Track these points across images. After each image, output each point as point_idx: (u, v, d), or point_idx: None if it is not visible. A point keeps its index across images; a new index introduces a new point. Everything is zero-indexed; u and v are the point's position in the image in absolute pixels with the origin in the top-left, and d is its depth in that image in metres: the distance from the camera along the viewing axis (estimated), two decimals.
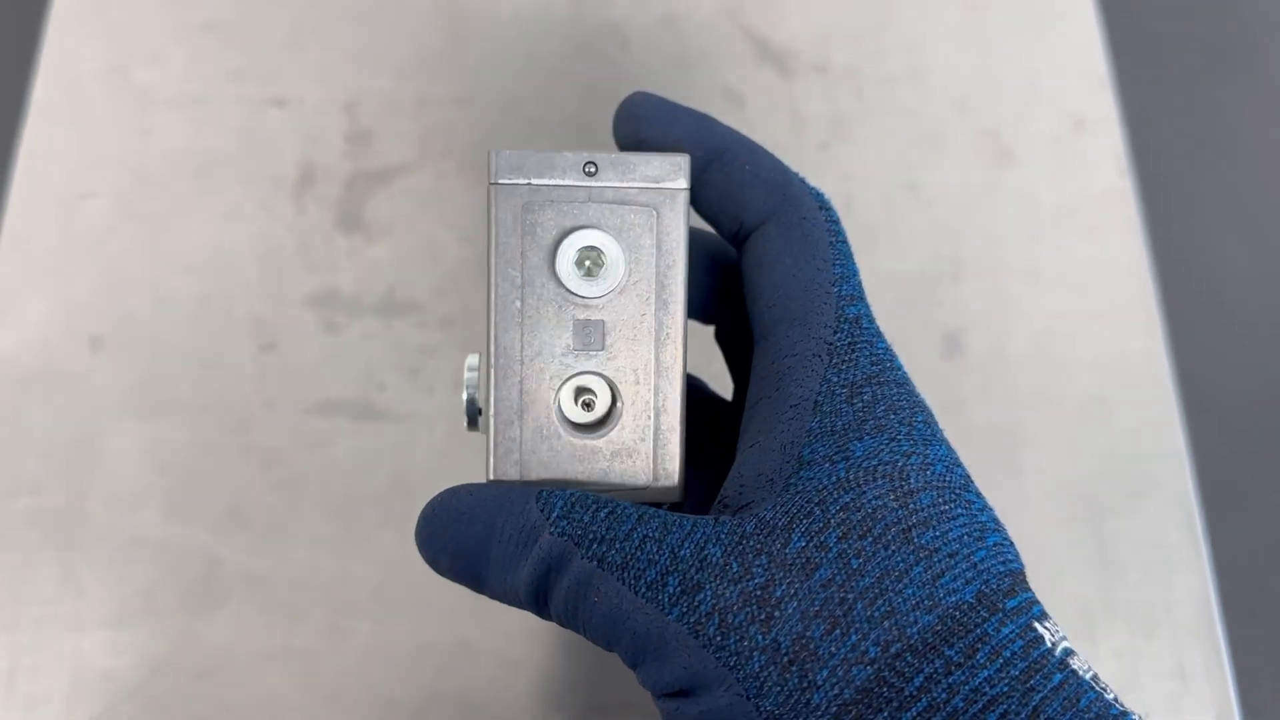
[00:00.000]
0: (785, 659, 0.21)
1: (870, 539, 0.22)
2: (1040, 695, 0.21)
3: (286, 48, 0.47)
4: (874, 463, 0.23)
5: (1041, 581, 0.38)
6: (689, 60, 0.47)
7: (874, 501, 0.22)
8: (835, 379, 0.24)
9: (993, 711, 0.21)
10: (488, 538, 0.25)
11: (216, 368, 0.42)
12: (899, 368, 0.25)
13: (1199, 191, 0.44)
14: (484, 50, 0.47)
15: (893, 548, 0.22)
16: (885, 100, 0.46)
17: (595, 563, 0.23)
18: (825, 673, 0.21)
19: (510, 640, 0.38)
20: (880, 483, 0.23)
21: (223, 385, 0.41)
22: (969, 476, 0.24)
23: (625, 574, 0.23)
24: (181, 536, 0.39)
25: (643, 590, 0.23)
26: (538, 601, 0.24)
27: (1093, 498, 0.40)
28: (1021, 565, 0.24)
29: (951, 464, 0.24)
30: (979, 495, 0.24)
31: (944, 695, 0.21)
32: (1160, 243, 0.43)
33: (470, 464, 0.40)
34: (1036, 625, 0.22)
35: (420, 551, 0.27)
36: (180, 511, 0.39)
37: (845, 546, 0.22)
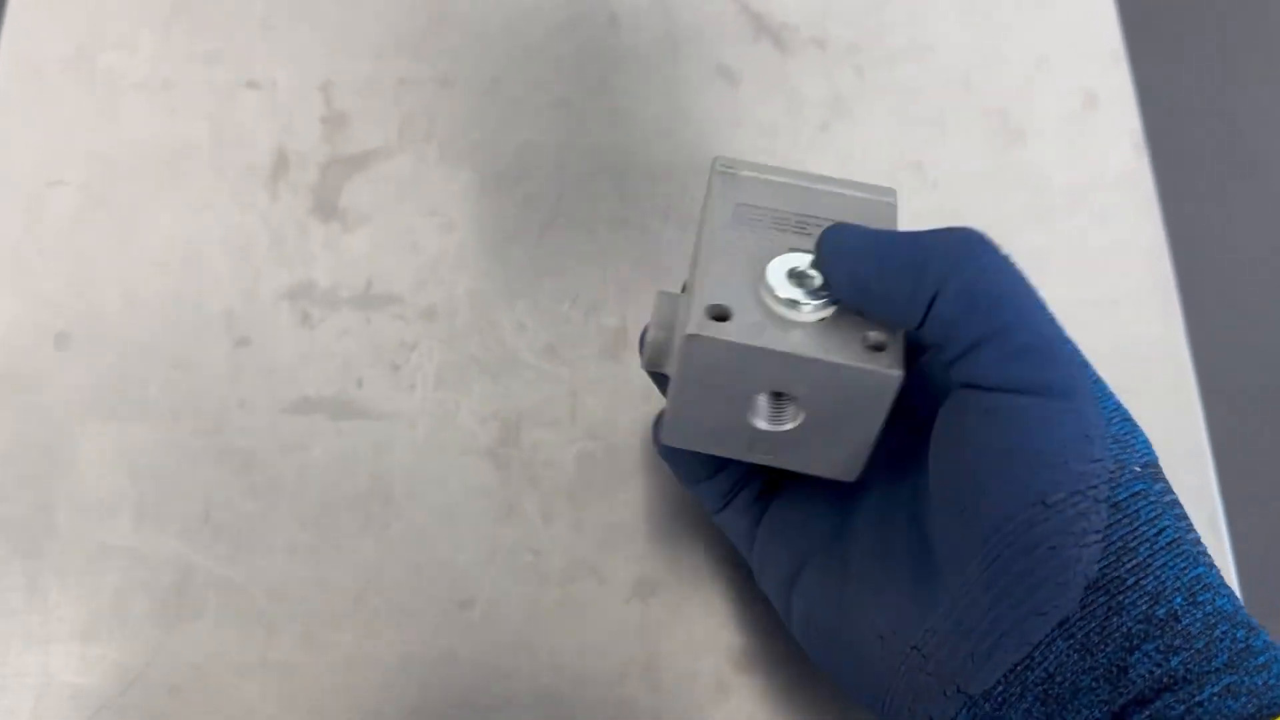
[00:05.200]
0: (1124, 418, 0.28)
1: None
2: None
3: (259, 28, 0.45)
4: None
5: None
6: (680, 37, 0.45)
7: None
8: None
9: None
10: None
11: (188, 366, 0.40)
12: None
13: (1216, 170, 0.42)
14: (466, 29, 0.45)
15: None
16: (887, 78, 0.44)
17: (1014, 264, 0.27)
18: (1141, 439, 0.27)
19: (498, 652, 0.36)
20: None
21: (195, 384, 0.39)
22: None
23: (1038, 297, 0.27)
24: (153, 544, 0.37)
25: (1050, 314, 0.28)
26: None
27: None
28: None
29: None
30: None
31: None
32: (1177, 225, 0.41)
33: (454, 464, 0.38)
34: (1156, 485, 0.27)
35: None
36: (151, 518, 0.38)
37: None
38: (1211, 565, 0.26)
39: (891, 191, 0.30)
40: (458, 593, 0.37)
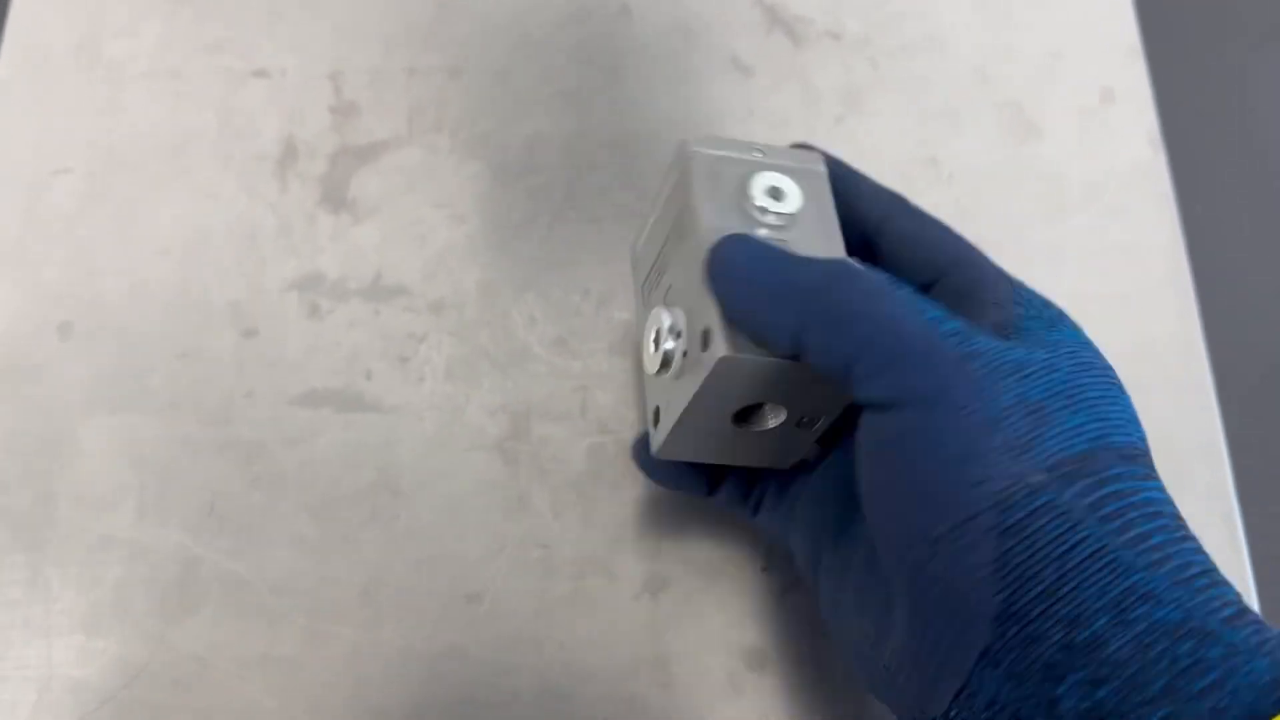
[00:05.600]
0: (1029, 410, 0.25)
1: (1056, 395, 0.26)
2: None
3: (267, 17, 0.44)
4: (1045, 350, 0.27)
5: None
6: (693, 28, 0.44)
7: (1062, 370, 0.26)
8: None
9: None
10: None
11: (193, 357, 0.39)
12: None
13: (1232, 167, 0.42)
14: (476, 18, 0.45)
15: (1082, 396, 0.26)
16: (902, 70, 0.44)
17: (882, 283, 0.26)
18: (1055, 431, 0.25)
19: (502, 646, 0.35)
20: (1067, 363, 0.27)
21: (200, 375, 0.39)
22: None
23: (909, 305, 0.26)
24: (156, 537, 0.37)
25: (926, 318, 0.26)
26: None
27: None
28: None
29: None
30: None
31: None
32: (1192, 221, 0.41)
33: (463, 458, 0.37)
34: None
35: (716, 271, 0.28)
36: (154, 510, 0.37)
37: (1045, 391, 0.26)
38: (1158, 565, 0.24)
39: (818, 158, 0.32)
40: (465, 587, 0.36)
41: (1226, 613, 0.23)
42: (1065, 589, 0.23)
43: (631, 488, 0.37)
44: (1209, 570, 0.25)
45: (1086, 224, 0.41)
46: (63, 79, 0.43)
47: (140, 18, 0.44)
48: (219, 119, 0.43)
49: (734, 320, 0.27)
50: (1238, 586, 0.36)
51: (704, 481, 0.33)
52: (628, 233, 0.41)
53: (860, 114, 0.43)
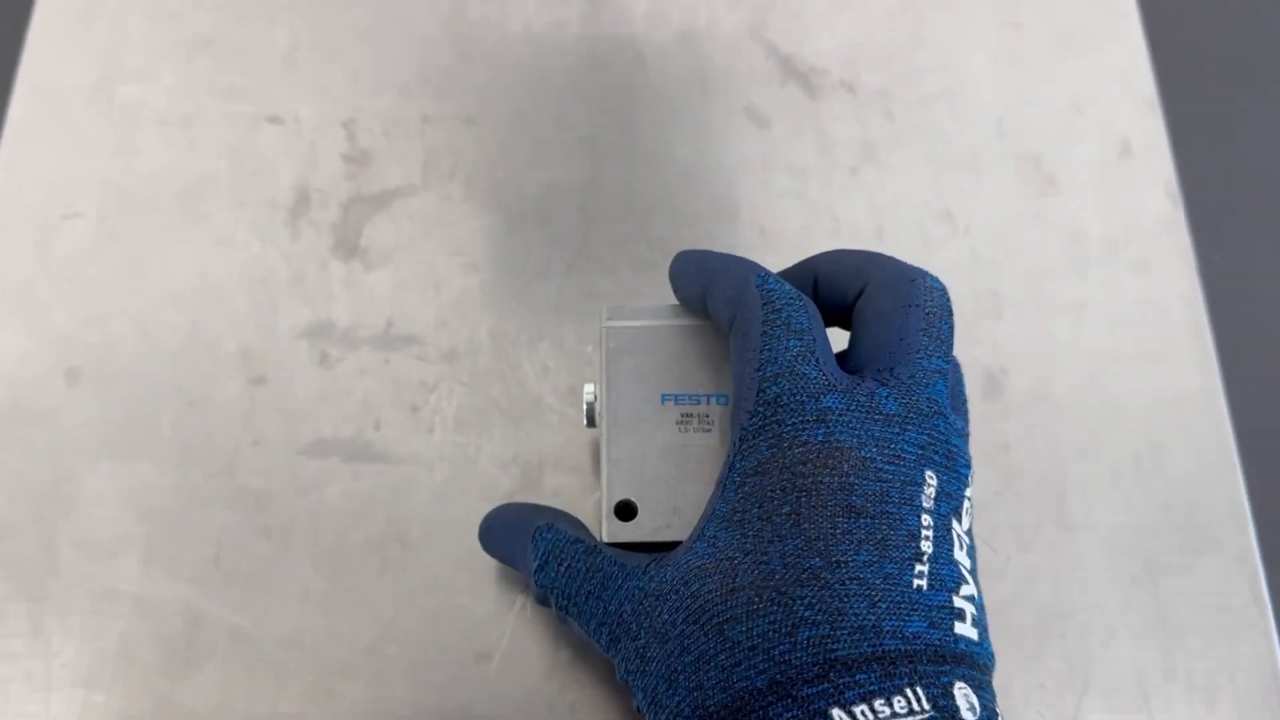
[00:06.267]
0: (649, 701, 0.28)
1: (697, 625, 0.27)
2: None
3: (282, 64, 0.44)
4: (721, 556, 0.28)
5: (1093, 646, 0.35)
6: (709, 78, 0.44)
7: (707, 594, 0.27)
8: (739, 465, 0.28)
9: None
10: (513, 555, 0.33)
11: (202, 404, 0.39)
12: (810, 439, 0.27)
13: (1250, 221, 0.42)
14: (492, 67, 0.44)
15: (710, 636, 0.27)
16: (919, 123, 0.44)
17: (563, 610, 0.31)
18: (665, 716, 0.28)
19: (513, 708, 0.34)
20: (716, 577, 0.27)
21: (208, 423, 0.38)
22: (820, 568, 0.26)
23: (579, 621, 0.31)
24: (161, 588, 0.36)
25: (591, 632, 0.30)
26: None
27: (1148, 554, 0.37)
28: (862, 650, 0.26)
29: (792, 559, 0.27)
30: (826, 586, 0.26)
31: None
32: (1212, 276, 0.40)
33: (474, 510, 0.37)
34: (835, 710, 0.25)
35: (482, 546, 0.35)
36: (160, 561, 0.36)
37: (685, 629, 0.28)
38: None
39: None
40: (475, 645, 0.35)
41: None
42: None
43: None
44: None
45: (1106, 278, 0.41)
46: (76, 122, 0.43)
47: (156, 62, 0.44)
48: (232, 165, 0.42)
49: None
50: (1266, 659, 0.35)
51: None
52: (643, 283, 0.40)
53: (876, 166, 0.43)
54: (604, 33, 0.45)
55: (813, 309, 0.29)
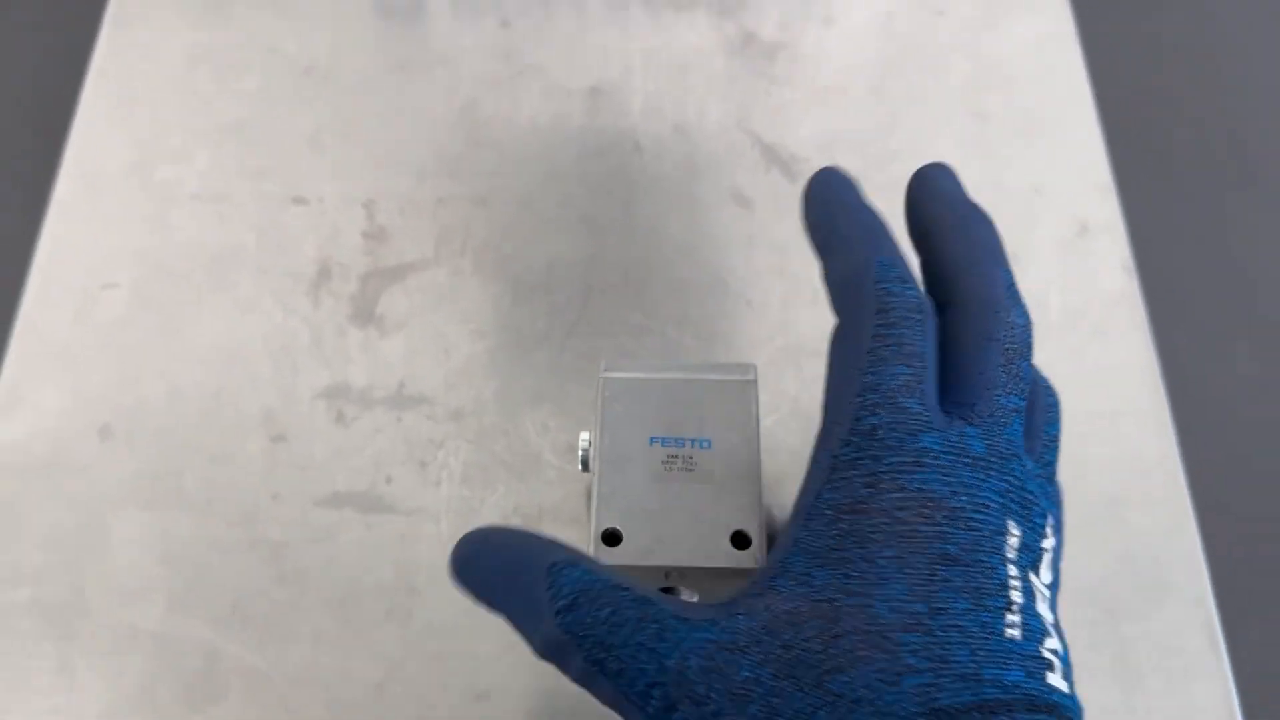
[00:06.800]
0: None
1: (791, 680, 0.25)
2: None
3: (308, 148, 0.48)
4: (819, 597, 0.25)
5: None
6: (699, 164, 0.48)
7: (804, 643, 0.25)
8: (829, 497, 0.26)
9: None
10: (507, 588, 0.29)
11: (225, 460, 0.41)
12: (907, 485, 0.26)
13: (1201, 295, 0.45)
14: (502, 154, 0.48)
15: (807, 690, 0.24)
16: (891, 203, 0.47)
17: (596, 665, 0.26)
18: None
19: None
20: (815, 622, 0.25)
21: (230, 478, 0.41)
22: (924, 614, 0.25)
23: (620, 680, 0.26)
24: (182, 630, 0.38)
25: (634, 697, 0.26)
26: (548, 660, 0.28)
27: (1110, 600, 0.39)
28: (964, 699, 0.24)
29: (897, 603, 0.25)
30: (929, 633, 0.25)
31: None
32: (1167, 345, 0.44)
33: None
34: None
35: (451, 575, 0.30)
36: (182, 604, 0.39)
37: (774, 685, 0.25)
38: None
39: (751, 368, 0.36)
40: (475, 684, 0.38)
41: None
42: None
43: None
44: None
45: (1067, 346, 0.44)
46: (116, 199, 0.47)
47: (192, 145, 0.48)
48: (259, 239, 0.46)
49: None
50: (1223, 702, 0.37)
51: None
52: (639, 348, 0.44)
53: None
54: (604, 125, 0.49)
55: (931, 324, 0.28)
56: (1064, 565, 0.40)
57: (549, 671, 0.37)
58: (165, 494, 0.41)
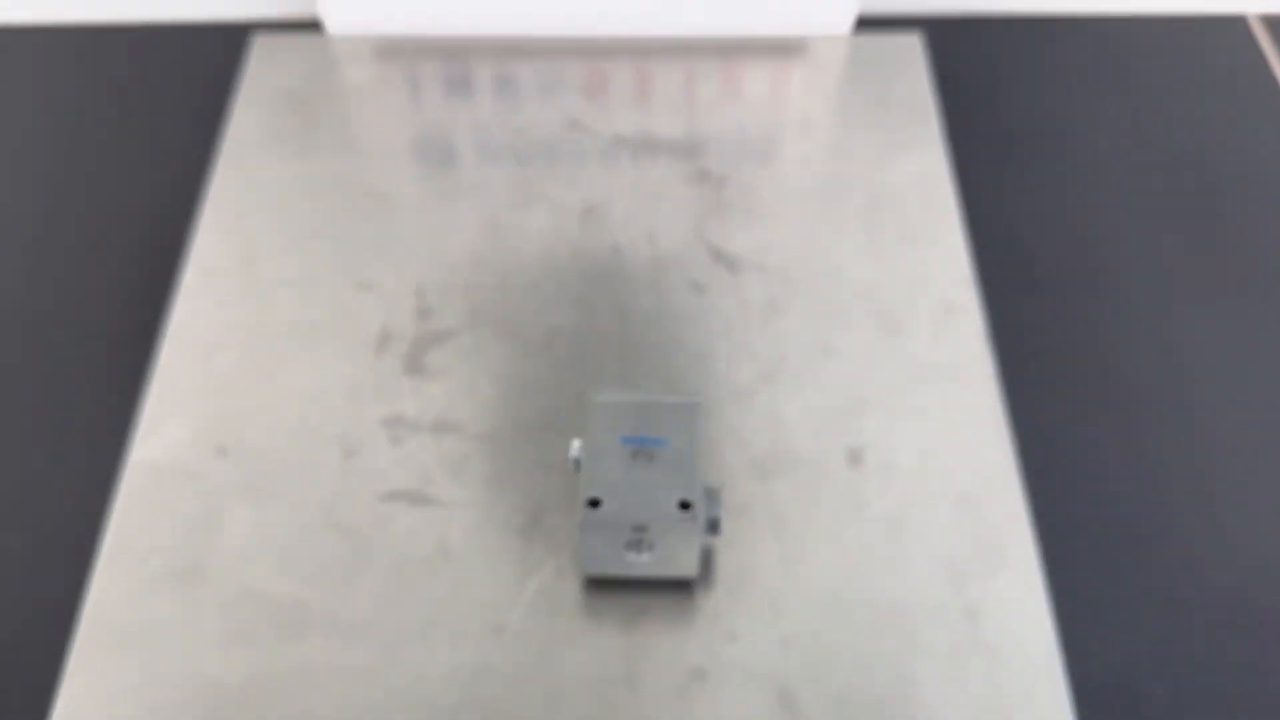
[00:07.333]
0: None
1: None
2: None
3: (372, 249, 0.65)
4: None
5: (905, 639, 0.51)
6: (665, 263, 0.64)
7: None
8: None
9: None
10: None
11: (310, 469, 0.56)
12: None
13: (1049, 360, 0.60)
14: (519, 254, 0.65)
15: None
16: (808, 289, 0.63)
17: None
18: None
19: (528, 670, 0.50)
20: None
21: (315, 482, 0.56)
22: None
23: None
24: (276, 588, 0.52)
25: None
26: None
27: (959, 561, 0.53)
28: None
29: None
30: None
31: None
32: (1012, 392, 0.59)
33: (495, 539, 0.53)
34: None
35: None
36: (276, 571, 0.53)
37: None
38: None
39: (697, 398, 0.52)
40: (494, 619, 0.51)
41: None
42: None
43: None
44: None
45: (936, 391, 0.59)
46: (229, 286, 0.63)
47: (287, 248, 0.64)
48: (335, 314, 0.62)
49: None
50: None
51: None
52: (620, 388, 0.59)
53: (779, 317, 0.62)
54: (593, 234, 0.66)
55: None
56: (922, 539, 0.54)
57: (551, 614, 0.51)
58: (266, 494, 0.55)
